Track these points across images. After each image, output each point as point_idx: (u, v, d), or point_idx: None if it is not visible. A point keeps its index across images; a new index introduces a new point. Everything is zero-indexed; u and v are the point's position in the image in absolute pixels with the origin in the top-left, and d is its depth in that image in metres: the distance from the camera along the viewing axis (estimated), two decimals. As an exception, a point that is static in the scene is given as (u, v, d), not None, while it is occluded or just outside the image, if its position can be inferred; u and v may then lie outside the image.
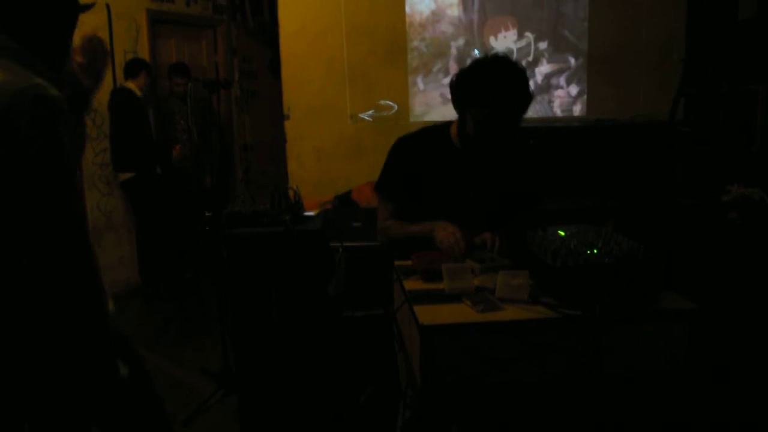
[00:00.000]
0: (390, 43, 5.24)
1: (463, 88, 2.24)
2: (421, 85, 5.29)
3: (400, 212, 2.47)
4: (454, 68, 5.17)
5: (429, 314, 1.76)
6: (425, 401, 1.76)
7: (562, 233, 2.02)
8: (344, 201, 4.59)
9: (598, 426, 1.79)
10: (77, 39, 1.81)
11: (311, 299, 3.21)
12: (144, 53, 5.57)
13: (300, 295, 3.21)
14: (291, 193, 3.51)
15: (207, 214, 3.68)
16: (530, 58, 5.30)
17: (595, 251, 1.83)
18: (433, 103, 5.33)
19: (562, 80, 5.34)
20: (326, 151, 5.31)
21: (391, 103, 5.27)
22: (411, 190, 2.42)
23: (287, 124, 5.30)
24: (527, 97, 2.21)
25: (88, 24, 5.01)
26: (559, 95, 5.37)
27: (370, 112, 5.27)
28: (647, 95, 5.22)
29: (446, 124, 2.46)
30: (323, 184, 5.06)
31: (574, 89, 5.34)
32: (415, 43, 5.29)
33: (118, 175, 5.30)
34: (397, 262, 2.25)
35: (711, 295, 3.25)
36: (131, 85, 5.12)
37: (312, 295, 3.21)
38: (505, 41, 5.27)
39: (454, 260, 2.14)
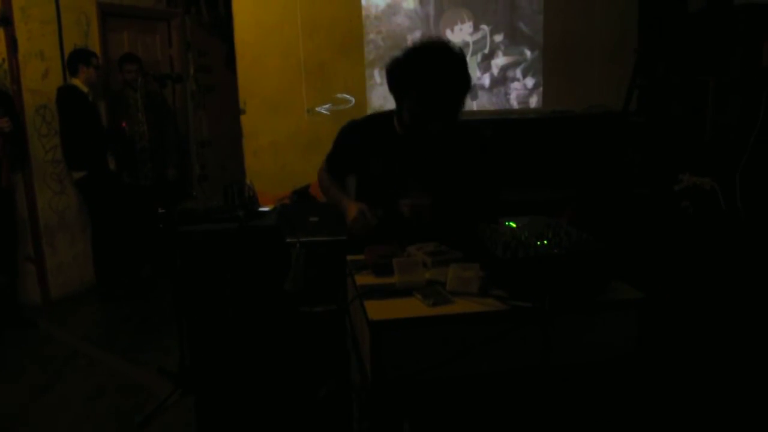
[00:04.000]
0: (346, 36, 5.20)
1: (394, 74, 2.28)
2: (377, 78, 5.26)
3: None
4: (411, 61, 5.15)
5: (379, 309, 1.74)
6: (376, 397, 1.75)
7: (514, 225, 2.02)
8: (302, 195, 4.56)
9: (550, 417, 1.80)
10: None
11: (267, 296, 3.18)
12: (95, 47, 5.43)
13: (256, 292, 3.18)
14: (246, 189, 3.47)
15: (160, 210, 3.62)
16: (486, 51, 5.32)
17: (545, 243, 1.83)
18: (390, 97, 5.25)
19: (518, 72, 5.37)
20: (283, 145, 5.26)
21: (348, 96, 5.24)
22: (353, 170, 2.54)
23: (243, 119, 5.23)
24: (460, 85, 2.19)
25: (35, 17, 4.93)
26: (515, 87, 5.40)
27: (327, 105, 5.23)
28: (601, 86, 5.27)
29: (394, 111, 2.47)
30: (281, 178, 5.01)
31: (530, 81, 5.38)
32: (372, 36, 5.26)
33: (71, 174, 5.19)
34: (349, 257, 2.23)
35: (664, 283, 3.30)
36: (76, 81, 5.00)
37: (268, 292, 3.18)
38: (461, 34, 5.28)
39: (406, 253, 2.13)
